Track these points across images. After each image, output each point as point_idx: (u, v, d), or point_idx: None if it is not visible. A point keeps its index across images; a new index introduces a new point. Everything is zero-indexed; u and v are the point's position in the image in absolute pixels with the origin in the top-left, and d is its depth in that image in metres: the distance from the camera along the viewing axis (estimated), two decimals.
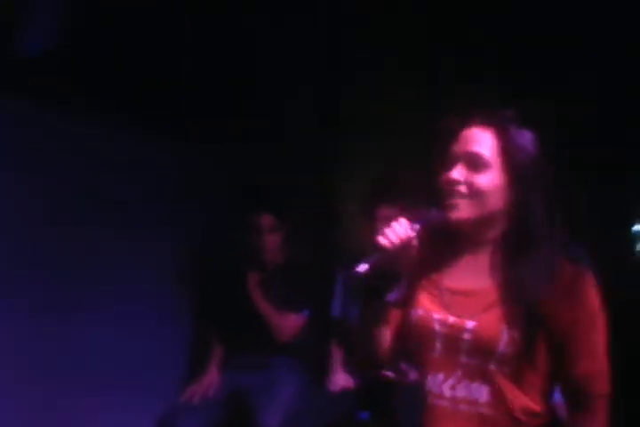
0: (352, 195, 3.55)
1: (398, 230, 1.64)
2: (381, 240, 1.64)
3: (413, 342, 1.72)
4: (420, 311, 1.70)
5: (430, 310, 1.69)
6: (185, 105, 3.26)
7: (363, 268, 1.59)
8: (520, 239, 1.65)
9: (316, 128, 3.65)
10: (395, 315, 1.78)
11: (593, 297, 1.63)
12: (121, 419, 3.02)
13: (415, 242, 1.68)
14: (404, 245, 1.65)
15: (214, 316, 3.32)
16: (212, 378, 3.15)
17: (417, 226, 1.66)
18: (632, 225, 3.25)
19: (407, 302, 1.75)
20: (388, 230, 1.65)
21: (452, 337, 1.64)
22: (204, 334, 3.33)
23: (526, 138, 1.69)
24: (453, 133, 1.73)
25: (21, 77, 2.79)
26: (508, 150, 1.66)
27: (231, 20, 3.27)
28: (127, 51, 3.00)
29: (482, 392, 1.62)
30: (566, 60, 2.99)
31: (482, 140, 1.68)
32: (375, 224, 2.69)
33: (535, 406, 1.65)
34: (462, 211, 1.66)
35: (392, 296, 1.73)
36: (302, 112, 3.63)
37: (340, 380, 2.97)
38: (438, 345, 1.66)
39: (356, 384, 2.88)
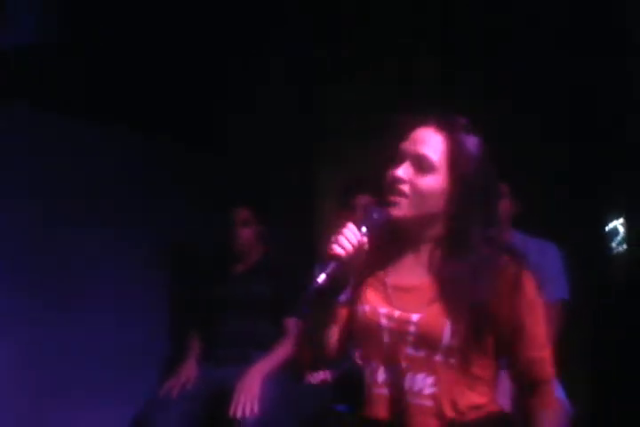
0: (330, 191, 3.58)
1: (350, 237, 1.67)
2: (336, 249, 1.66)
3: (361, 336, 1.77)
4: (367, 307, 1.75)
5: (376, 305, 1.74)
6: (166, 102, 3.27)
7: (322, 279, 1.62)
8: (457, 239, 1.71)
9: (296, 124, 3.68)
10: (342, 313, 1.82)
11: (533, 294, 1.71)
12: (97, 416, 3.02)
13: (366, 245, 1.70)
14: (358, 250, 1.68)
15: (192, 309, 3.33)
16: (190, 372, 3.15)
17: (364, 228, 1.69)
18: (605, 224, 3.31)
19: (354, 299, 1.80)
20: (341, 238, 1.67)
21: (399, 330, 1.70)
22: (182, 328, 3.34)
23: (473, 144, 1.74)
24: (406, 131, 1.77)
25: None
26: (454, 157, 1.71)
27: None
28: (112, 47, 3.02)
29: (426, 384, 1.67)
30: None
31: (431, 143, 1.73)
32: (353, 213, 2.72)
33: (480, 398, 1.70)
34: (402, 209, 1.71)
35: (343, 297, 1.76)
36: (283, 110, 3.66)
37: (319, 373, 3.00)
38: (385, 338, 1.71)
39: (334, 377, 2.91)
